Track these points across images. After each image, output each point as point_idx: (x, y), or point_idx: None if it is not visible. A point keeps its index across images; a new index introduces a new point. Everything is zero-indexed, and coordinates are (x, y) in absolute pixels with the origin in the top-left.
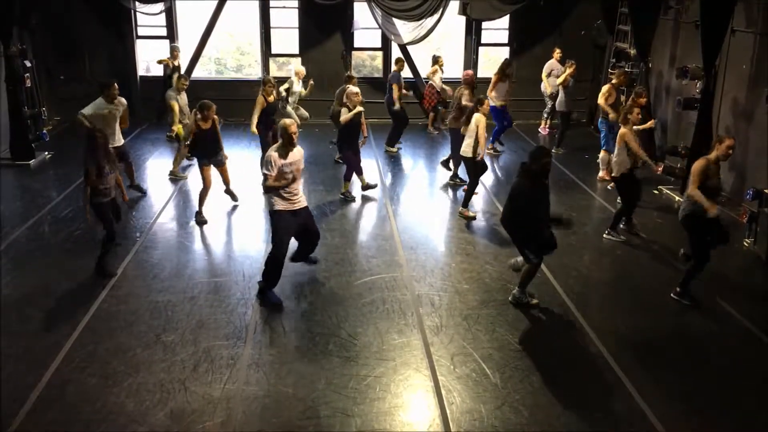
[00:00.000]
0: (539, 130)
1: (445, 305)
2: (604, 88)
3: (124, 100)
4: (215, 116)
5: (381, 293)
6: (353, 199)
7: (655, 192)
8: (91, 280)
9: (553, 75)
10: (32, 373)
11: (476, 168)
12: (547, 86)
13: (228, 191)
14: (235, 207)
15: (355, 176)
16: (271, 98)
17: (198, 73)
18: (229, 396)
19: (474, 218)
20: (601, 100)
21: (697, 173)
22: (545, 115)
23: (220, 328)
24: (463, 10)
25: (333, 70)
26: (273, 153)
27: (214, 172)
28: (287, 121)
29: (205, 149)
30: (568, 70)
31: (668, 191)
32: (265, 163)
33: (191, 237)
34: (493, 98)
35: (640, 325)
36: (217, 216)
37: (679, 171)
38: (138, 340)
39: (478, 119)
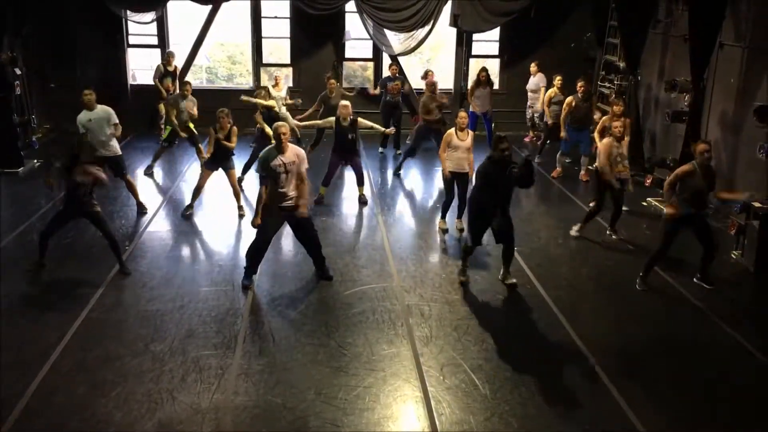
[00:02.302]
0: (524, 139)
1: (434, 316)
2: (567, 99)
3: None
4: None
5: (371, 303)
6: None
7: (644, 203)
8: (80, 289)
9: (544, 88)
10: (20, 381)
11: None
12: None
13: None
14: (229, 216)
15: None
16: (271, 102)
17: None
18: (217, 406)
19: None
20: (564, 111)
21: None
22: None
23: (209, 338)
24: (454, 22)
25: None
26: (264, 154)
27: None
28: (279, 123)
29: (218, 157)
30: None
31: (657, 203)
32: (259, 164)
33: (180, 246)
34: (474, 105)
35: (630, 336)
36: (207, 225)
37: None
38: (126, 349)
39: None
